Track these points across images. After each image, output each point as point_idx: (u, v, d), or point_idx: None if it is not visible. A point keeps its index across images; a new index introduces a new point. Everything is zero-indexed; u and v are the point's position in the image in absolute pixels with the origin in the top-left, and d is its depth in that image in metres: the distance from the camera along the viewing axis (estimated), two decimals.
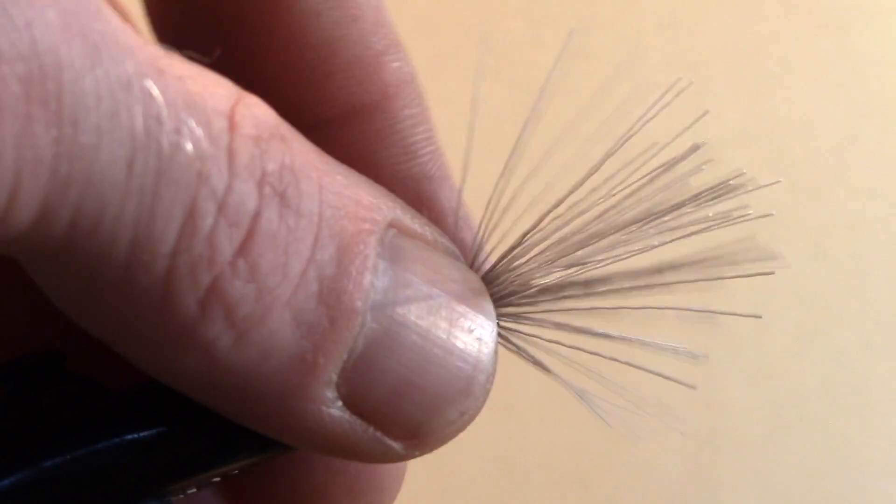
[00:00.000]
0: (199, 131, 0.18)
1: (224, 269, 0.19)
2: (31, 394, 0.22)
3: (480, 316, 0.23)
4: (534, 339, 0.24)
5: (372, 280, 0.21)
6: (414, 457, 0.22)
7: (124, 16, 0.23)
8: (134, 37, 0.18)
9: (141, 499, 0.22)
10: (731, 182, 0.23)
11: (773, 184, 0.24)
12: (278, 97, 0.21)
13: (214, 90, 0.19)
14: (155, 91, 0.17)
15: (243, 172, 0.19)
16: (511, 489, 0.66)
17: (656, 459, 0.66)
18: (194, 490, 0.23)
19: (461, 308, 0.22)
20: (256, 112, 0.19)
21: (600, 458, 0.66)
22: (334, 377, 0.20)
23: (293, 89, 0.23)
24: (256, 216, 0.19)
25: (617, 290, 0.24)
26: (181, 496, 0.23)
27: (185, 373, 0.20)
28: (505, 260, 0.24)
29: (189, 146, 0.18)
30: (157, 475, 0.22)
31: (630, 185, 0.24)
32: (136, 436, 0.21)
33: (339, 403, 0.21)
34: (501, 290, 0.24)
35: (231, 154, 0.19)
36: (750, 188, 0.23)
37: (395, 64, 0.24)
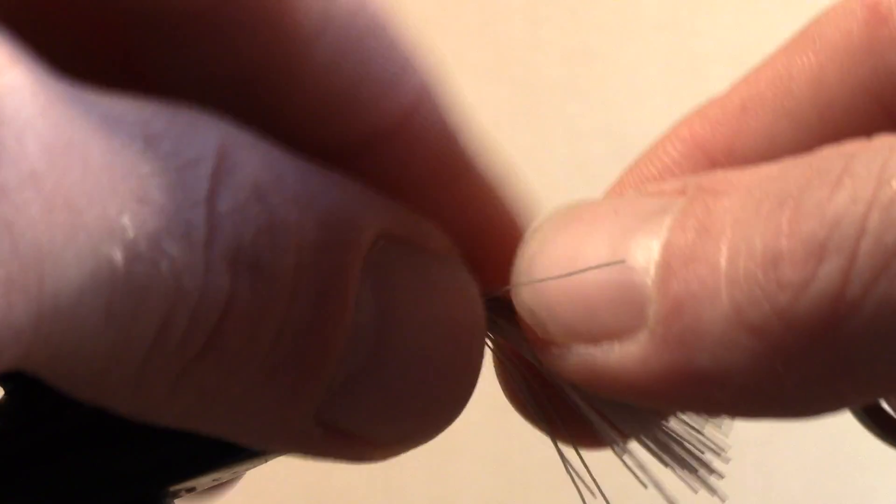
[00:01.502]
0: (175, 249, 0.17)
1: (189, 365, 0.18)
2: (31, 394, 0.22)
3: (475, 326, 0.22)
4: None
5: (354, 316, 0.20)
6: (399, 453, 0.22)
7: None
8: (122, 160, 0.17)
9: (141, 499, 0.22)
10: None
11: None
12: (286, 128, 0.20)
13: (196, 171, 0.17)
14: (131, 228, 0.17)
15: (219, 264, 0.18)
16: (511, 489, 0.66)
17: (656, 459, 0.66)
18: (195, 490, 0.23)
19: (452, 323, 0.21)
20: (237, 177, 0.18)
21: (600, 458, 0.66)
22: (314, 410, 0.20)
23: (303, 118, 0.20)
24: (229, 300, 0.18)
25: None
26: (181, 496, 0.23)
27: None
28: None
29: (165, 266, 0.17)
30: (157, 475, 0.22)
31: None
32: (135, 436, 0.21)
33: (321, 430, 0.20)
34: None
35: (208, 248, 0.18)
36: None
37: (413, 81, 0.21)
